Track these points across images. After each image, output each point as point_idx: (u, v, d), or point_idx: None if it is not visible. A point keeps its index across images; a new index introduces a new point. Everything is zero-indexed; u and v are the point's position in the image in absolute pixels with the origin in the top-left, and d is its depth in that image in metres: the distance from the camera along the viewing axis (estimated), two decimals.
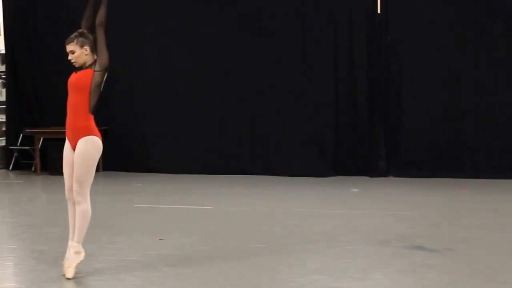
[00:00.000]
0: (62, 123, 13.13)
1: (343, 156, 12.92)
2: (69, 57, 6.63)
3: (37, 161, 13.01)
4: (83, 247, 6.21)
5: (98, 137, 6.55)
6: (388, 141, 12.95)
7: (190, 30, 13.15)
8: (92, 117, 6.61)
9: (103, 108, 13.20)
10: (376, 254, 6.82)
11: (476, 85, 12.60)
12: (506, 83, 12.49)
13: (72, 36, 6.49)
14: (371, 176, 12.60)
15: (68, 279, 6.07)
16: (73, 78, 6.63)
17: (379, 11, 12.80)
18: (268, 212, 9.23)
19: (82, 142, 6.45)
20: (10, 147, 13.68)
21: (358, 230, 7.95)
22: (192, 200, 10.24)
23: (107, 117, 13.38)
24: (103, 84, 6.57)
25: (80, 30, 6.50)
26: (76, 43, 6.50)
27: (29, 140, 13.38)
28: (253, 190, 11.30)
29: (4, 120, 13.96)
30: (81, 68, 6.60)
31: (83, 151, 6.43)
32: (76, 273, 6.11)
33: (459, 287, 5.70)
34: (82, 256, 6.17)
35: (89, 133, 6.50)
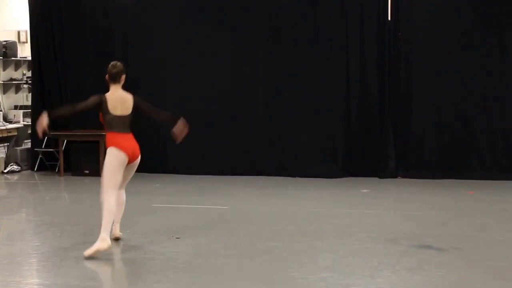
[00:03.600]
0: (85, 126, 13.34)
1: (354, 158, 12.85)
2: None
3: (61, 162, 13.03)
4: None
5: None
6: (397, 142, 12.86)
7: (207, 36, 13.12)
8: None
9: None
10: (385, 252, 6.76)
11: (485, 87, 12.51)
12: (504, 88, 12.42)
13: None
14: (381, 177, 12.52)
15: (85, 257, 6.51)
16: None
17: (389, 18, 12.74)
18: (281, 212, 9.19)
19: None
20: (35, 149, 13.72)
21: (368, 229, 7.90)
22: (208, 200, 10.22)
23: None
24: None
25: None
26: None
27: (54, 142, 13.42)
28: (267, 191, 11.26)
29: (30, 123, 14.01)
30: None
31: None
32: (93, 254, 6.54)
33: (466, 284, 5.63)
34: (105, 244, 6.63)
35: None
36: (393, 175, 12.67)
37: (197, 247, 7.07)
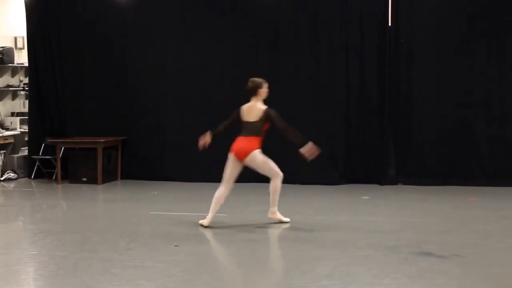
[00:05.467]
0: (83, 133, 13.33)
1: (354, 165, 12.86)
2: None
3: (58, 170, 13.03)
4: None
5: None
6: (397, 149, 12.87)
7: (207, 44, 13.16)
8: None
9: (122, 119, 13.41)
10: (385, 260, 6.76)
11: (485, 93, 12.53)
12: (505, 95, 12.44)
13: None
14: (381, 184, 12.54)
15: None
16: None
17: (390, 23, 12.77)
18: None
19: None
20: (32, 156, 13.73)
21: (368, 237, 7.89)
22: (207, 208, 10.18)
23: (125, 127, 13.45)
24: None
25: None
26: None
27: (51, 150, 13.43)
28: (266, 198, 11.24)
29: (27, 130, 14.02)
30: None
31: None
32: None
33: None
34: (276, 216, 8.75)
35: None
36: (393, 182, 12.68)
37: (196, 255, 7.06)
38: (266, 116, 8.64)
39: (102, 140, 12.84)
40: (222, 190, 8.79)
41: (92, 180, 12.81)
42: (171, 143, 13.36)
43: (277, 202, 8.84)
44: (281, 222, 8.81)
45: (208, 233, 8.25)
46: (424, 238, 7.81)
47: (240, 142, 8.72)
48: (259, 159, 8.70)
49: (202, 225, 8.59)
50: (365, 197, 11.12)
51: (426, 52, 12.67)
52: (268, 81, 13.34)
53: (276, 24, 13.02)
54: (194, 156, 13.25)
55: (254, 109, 8.72)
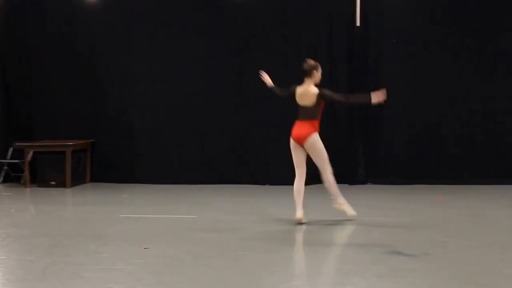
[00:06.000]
0: (51, 137, 13.18)
1: None
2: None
3: (27, 173, 12.89)
4: None
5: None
6: (366, 149, 12.93)
7: (176, 44, 13.11)
8: None
9: (91, 122, 13.30)
10: (355, 259, 6.75)
11: (452, 94, 12.63)
12: (484, 92, 12.53)
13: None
14: (351, 183, 12.58)
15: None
16: None
17: (358, 24, 12.81)
18: (252, 220, 9.16)
19: None
20: (0, 160, 13.55)
21: (338, 236, 7.90)
22: (177, 210, 10.16)
23: (94, 130, 13.34)
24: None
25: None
26: None
27: (19, 153, 13.26)
28: (236, 199, 11.23)
29: None
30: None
31: None
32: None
33: None
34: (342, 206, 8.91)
35: None
36: (362, 181, 12.73)
37: (166, 257, 7.00)
38: (320, 99, 8.68)
39: (71, 143, 12.72)
40: (297, 180, 8.85)
41: (61, 184, 12.68)
42: (140, 146, 13.28)
43: (338, 192, 8.96)
44: (345, 213, 8.92)
45: (177, 235, 8.19)
46: (394, 237, 7.83)
47: (298, 127, 8.74)
48: (318, 146, 8.75)
49: (300, 222, 8.62)
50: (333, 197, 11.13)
51: (395, 52, 12.74)
52: (236, 82, 13.39)
53: (245, 25, 13.00)
54: (164, 158, 13.23)
55: (308, 93, 8.72)
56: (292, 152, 8.87)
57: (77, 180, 12.99)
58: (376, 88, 12.99)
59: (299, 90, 8.78)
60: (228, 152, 13.05)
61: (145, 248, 7.37)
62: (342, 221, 8.95)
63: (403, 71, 12.74)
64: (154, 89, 13.20)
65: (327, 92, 8.74)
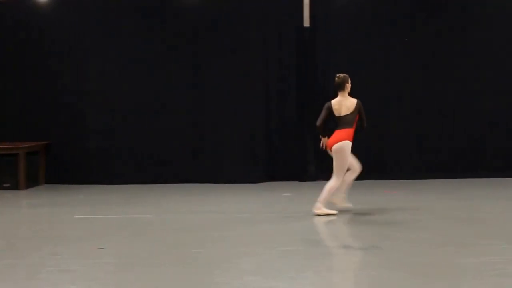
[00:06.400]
0: (4, 138, 12.99)
1: (275, 163, 13.00)
2: None
3: None
4: None
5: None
6: (317, 146, 13.07)
7: (128, 45, 13.06)
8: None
9: (45, 123, 13.17)
10: (307, 254, 6.85)
11: (400, 91, 12.86)
12: (433, 92, 12.80)
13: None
14: (302, 180, 12.71)
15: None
16: None
17: (307, 25, 12.95)
18: (205, 218, 9.20)
19: None
20: None
21: (290, 232, 7.99)
22: (132, 210, 10.14)
23: (48, 131, 13.21)
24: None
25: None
26: None
27: None
28: (191, 198, 11.26)
29: None
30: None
31: None
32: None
33: (386, 282, 5.76)
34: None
35: None
36: (313, 178, 12.86)
37: (121, 257, 7.01)
38: (359, 108, 9.09)
39: (25, 146, 12.59)
40: (349, 175, 9.42)
41: (15, 186, 12.55)
42: (95, 147, 13.19)
43: (326, 200, 9.14)
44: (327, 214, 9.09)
45: (132, 234, 8.20)
46: (344, 231, 7.96)
47: (336, 134, 9.10)
48: (345, 152, 9.05)
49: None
50: (286, 194, 11.25)
51: (343, 52, 12.90)
52: (190, 83, 13.40)
53: (196, 25, 13.02)
54: (118, 159, 13.17)
55: (346, 103, 9.11)
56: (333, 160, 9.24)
57: (31, 182, 12.86)
58: (324, 88, 13.25)
59: (335, 103, 9.15)
60: (181, 151, 13.07)
61: (100, 249, 7.37)
62: (293, 216, 9.06)
63: (351, 69, 12.90)
64: (108, 90, 13.13)
65: (362, 106, 9.17)
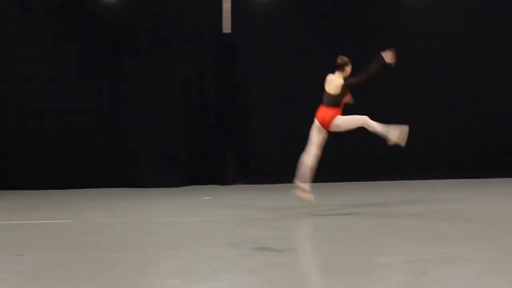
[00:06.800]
0: None
1: (195, 167, 13.00)
2: None
3: None
4: None
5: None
6: (237, 150, 13.13)
7: (48, 50, 12.86)
8: None
9: None
10: (227, 257, 6.87)
11: (319, 95, 13.07)
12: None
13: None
14: (222, 184, 12.74)
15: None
16: None
17: (228, 31, 13.01)
18: (125, 223, 9.12)
19: None
20: None
21: (209, 236, 8.00)
22: (50, 215, 9.96)
23: None
24: None
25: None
26: None
27: None
28: (111, 203, 11.15)
29: None
30: None
31: None
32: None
33: (302, 282, 5.84)
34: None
35: None
36: (233, 182, 12.92)
37: (40, 263, 6.88)
38: (344, 89, 9.17)
39: None
40: (308, 157, 9.33)
41: None
42: (14, 151, 12.92)
43: (387, 127, 9.06)
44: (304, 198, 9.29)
45: (51, 240, 8.06)
46: (263, 234, 8.02)
47: (323, 112, 9.24)
48: (342, 122, 9.19)
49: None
50: (206, 198, 11.26)
51: (263, 57, 13.02)
52: (105, 85, 13.22)
53: (116, 28, 12.91)
54: (36, 163, 12.92)
55: (334, 82, 9.22)
56: (313, 131, 9.34)
57: None
58: (244, 93, 13.34)
59: (329, 77, 9.32)
60: (103, 155, 12.93)
61: (18, 255, 7.22)
62: (213, 220, 9.08)
63: (271, 73, 13.04)
64: (24, 93, 12.88)
65: (348, 82, 9.18)
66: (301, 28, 13.10)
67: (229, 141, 13.18)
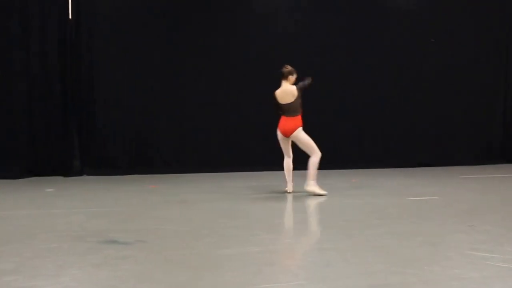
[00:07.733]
0: None
1: (38, 158, 12.49)
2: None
3: None
4: None
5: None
6: (82, 141, 12.75)
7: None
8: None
9: None
10: (71, 251, 6.54)
11: (162, 84, 12.92)
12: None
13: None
14: (66, 176, 12.32)
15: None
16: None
17: (70, 17, 12.61)
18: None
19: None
20: None
21: (53, 229, 7.61)
22: None
23: None
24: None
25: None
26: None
27: None
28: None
29: None
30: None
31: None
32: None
33: (150, 274, 5.64)
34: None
35: None
36: (78, 173, 12.52)
37: None
38: (300, 92, 9.62)
39: None
40: (287, 161, 10.07)
41: None
42: None
43: (315, 176, 9.73)
44: (318, 194, 9.74)
45: None
46: (109, 227, 7.74)
47: (285, 122, 9.74)
48: (302, 137, 9.69)
49: (287, 192, 10.06)
50: (49, 190, 10.78)
51: (108, 45, 12.69)
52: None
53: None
54: None
55: (287, 91, 9.65)
56: (280, 142, 9.95)
57: None
58: (89, 81, 12.93)
59: (278, 92, 9.74)
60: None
61: None
62: (56, 212, 8.69)
63: (118, 63, 12.76)
64: None
65: (299, 86, 9.67)
66: (152, 17, 12.90)
67: (75, 131, 12.73)
